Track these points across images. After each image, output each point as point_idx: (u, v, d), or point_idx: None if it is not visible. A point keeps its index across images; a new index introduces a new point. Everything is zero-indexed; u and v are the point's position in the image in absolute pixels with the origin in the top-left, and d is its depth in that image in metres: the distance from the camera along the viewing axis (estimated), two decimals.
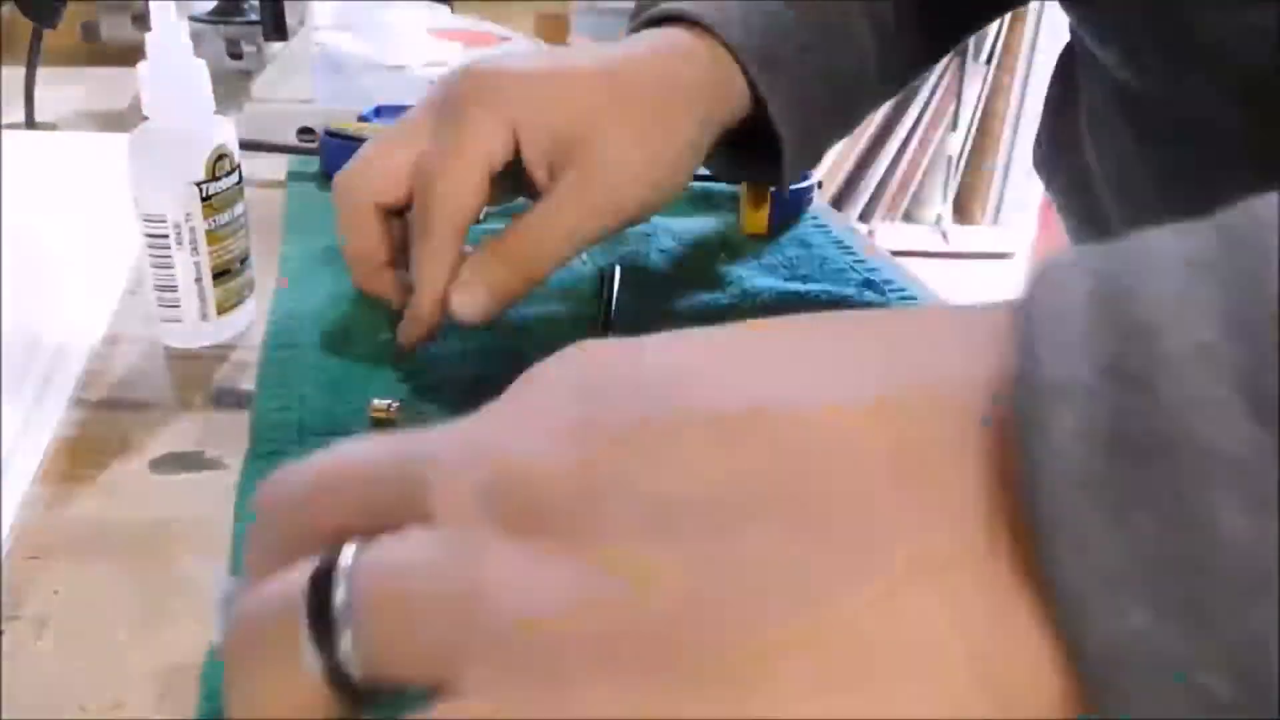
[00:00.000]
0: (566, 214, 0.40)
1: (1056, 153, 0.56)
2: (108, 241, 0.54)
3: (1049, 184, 0.59)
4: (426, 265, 0.40)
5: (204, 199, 0.44)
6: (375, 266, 0.44)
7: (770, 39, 0.45)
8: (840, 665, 0.15)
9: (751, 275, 0.55)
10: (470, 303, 0.40)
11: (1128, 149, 0.47)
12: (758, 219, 0.61)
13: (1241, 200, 0.17)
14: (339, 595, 0.18)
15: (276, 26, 0.89)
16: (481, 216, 0.43)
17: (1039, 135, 0.59)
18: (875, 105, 0.55)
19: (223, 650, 0.20)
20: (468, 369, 0.45)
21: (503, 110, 0.40)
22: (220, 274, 0.46)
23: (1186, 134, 0.43)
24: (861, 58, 0.49)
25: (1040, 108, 0.58)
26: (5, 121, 0.79)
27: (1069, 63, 0.55)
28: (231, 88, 0.95)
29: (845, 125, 0.52)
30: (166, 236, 0.44)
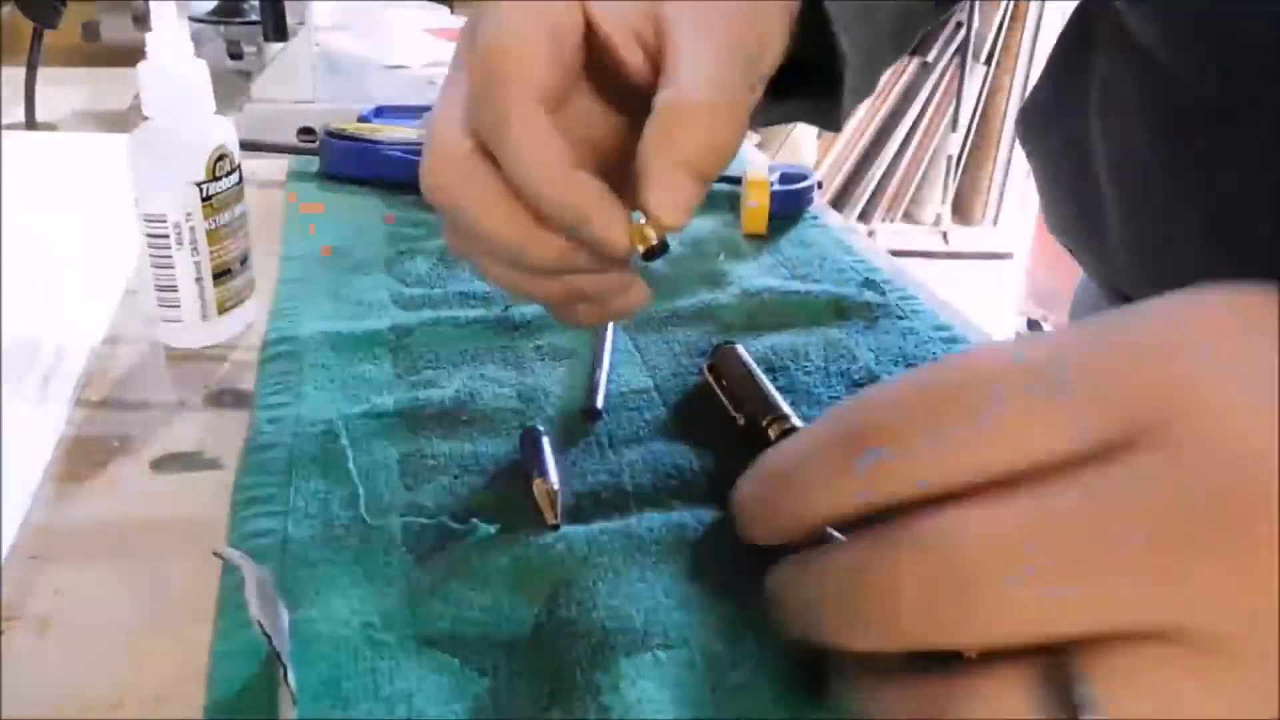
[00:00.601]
0: (709, 62, 0.30)
1: (1051, 125, 0.54)
2: (108, 241, 0.54)
3: (1034, 153, 0.56)
4: (529, 162, 0.29)
5: (204, 199, 0.44)
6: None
7: None
8: None
9: (751, 275, 0.55)
10: (674, 201, 0.29)
11: (1143, 136, 0.46)
12: (758, 219, 0.61)
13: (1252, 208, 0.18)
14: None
15: (276, 26, 0.89)
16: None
17: (1031, 101, 0.56)
18: (930, 20, 0.48)
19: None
20: (465, 367, 0.45)
21: None
22: (220, 274, 0.46)
23: (1216, 128, 0.42)
24: None
25: None
26: (5, 121, 0.80)
27: (1079, 33, 0.52)
28: (231, 88, 0.95)
29: (902, 44, 0.44)
30: (166, 236, 0.44)
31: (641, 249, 0.30)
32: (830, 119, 0.40)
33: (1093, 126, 0.49)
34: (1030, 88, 0.57)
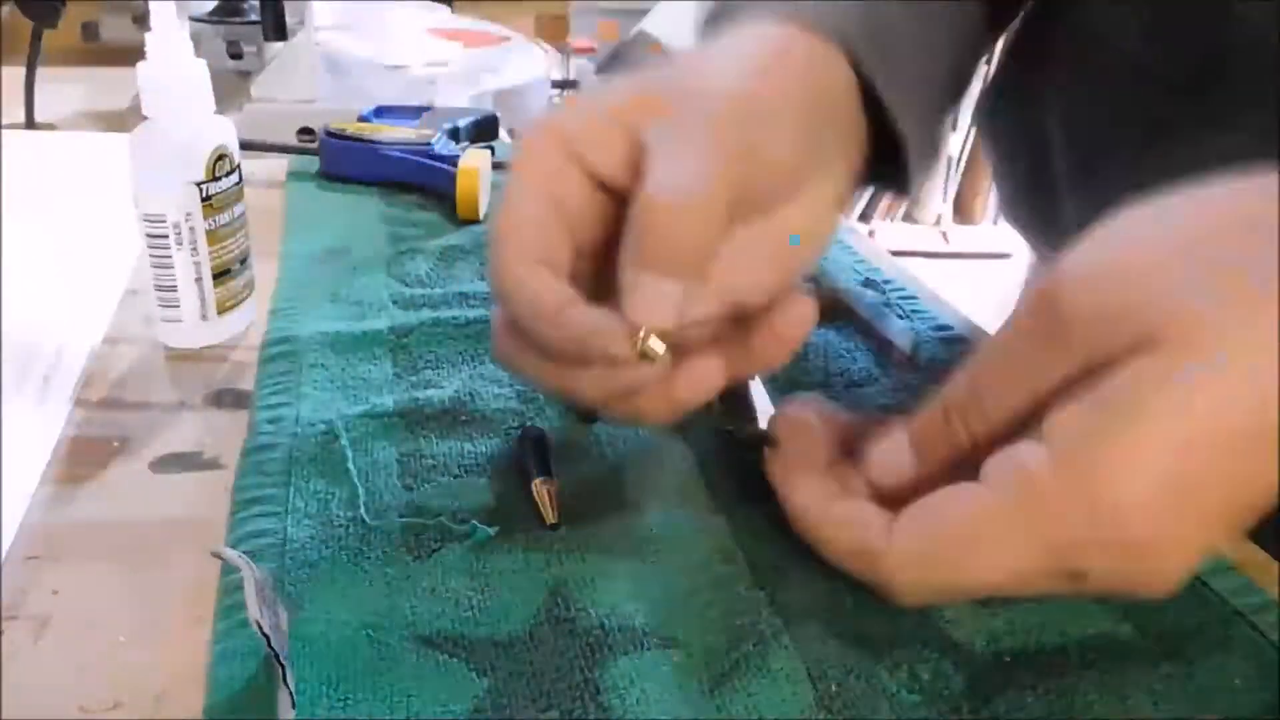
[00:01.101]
0: (691, 166, 0.32)
1: (1008, 112, 0.55)
2: (108, 241, 0.54)
3: (991, 140, 0.57)
4: (524, 314, 0.33)
5: (204, 199, 0.44)
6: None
7: (868, 16, 0.37)
8: None
9: None
10: (649, 305, 0.31)
11: (1108, 125, 0.46)
12: None
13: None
14: None
15: (276, 26, 0.90)
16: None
17: (988, 90, 0.56)
18: (981, 56, 0.47)
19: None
20: (465, 367, 0.45)
21: (554, 132, 0.34)
22: (220, 274, 0.46)
23: (1191, 120, 0.42)
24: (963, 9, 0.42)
25: None
26: (5, 121, 0.80)
27: (1037, 24, 0.52)
28: (231, 88, 0.96)
29: (959, 94, 0.44)
30: (166, 236, 0.44)
31: (654, 354, 0.31)
32: (901, 187, 0.40)
33: (1050, 115, 0.49)
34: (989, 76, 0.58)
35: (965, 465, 0.30)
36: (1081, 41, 0.47)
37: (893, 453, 0.33)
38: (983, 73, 0.51)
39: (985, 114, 0.57)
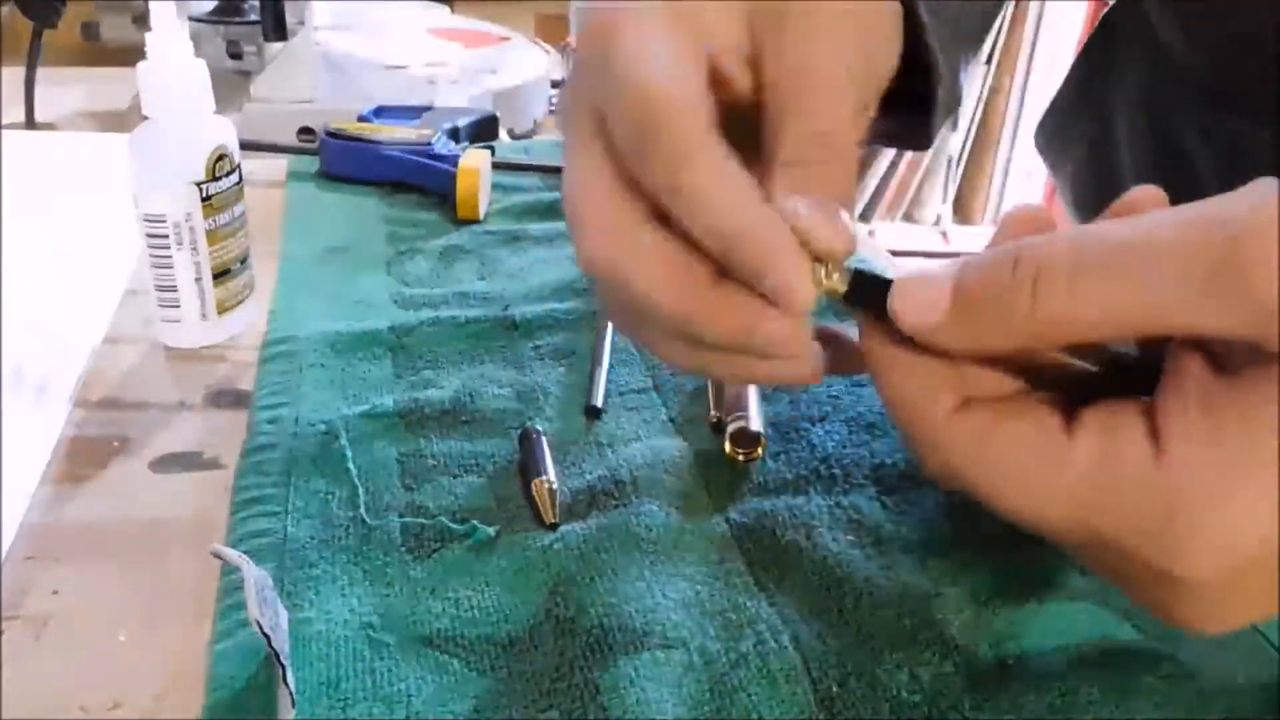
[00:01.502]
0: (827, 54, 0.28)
1: (1075, 130, 0.56)
2: (108, 241, 0.54)
3: (1057, 164, 0.57)
4: (720, 202, 0.27)
5: (204, 199, 0.44)
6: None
7: None
8: None
9: None
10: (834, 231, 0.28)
11: (1179, 133, 0.46)
12: None
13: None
14: None
15: (276, 26, 0.89)
16: None
17: (1051, 111, 0.58)
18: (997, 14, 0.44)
19: None
20: (465, 367, 0.45)
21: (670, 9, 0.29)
22: (220, 274, 0.46)
23: (1254, 126, 0.43)
24: None
25: (1039, 105, 0.60)
26: (5, 121, 0.80)
27: (1105, 37, 0.54)
28: (231, 88, 0.96)
29: (979, 49, 0.41)
30: (166, 236, 0.44)
31: (843, 289, 0.28)
32: (920, 138, 0.38)
33: (1120, 127, 0.49)
34: (1047, 101, 0.60)
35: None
36: (1146, 50, 0.48)
37: (925, 288, 0.26)
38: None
39: (1050, 135, 0.58)
